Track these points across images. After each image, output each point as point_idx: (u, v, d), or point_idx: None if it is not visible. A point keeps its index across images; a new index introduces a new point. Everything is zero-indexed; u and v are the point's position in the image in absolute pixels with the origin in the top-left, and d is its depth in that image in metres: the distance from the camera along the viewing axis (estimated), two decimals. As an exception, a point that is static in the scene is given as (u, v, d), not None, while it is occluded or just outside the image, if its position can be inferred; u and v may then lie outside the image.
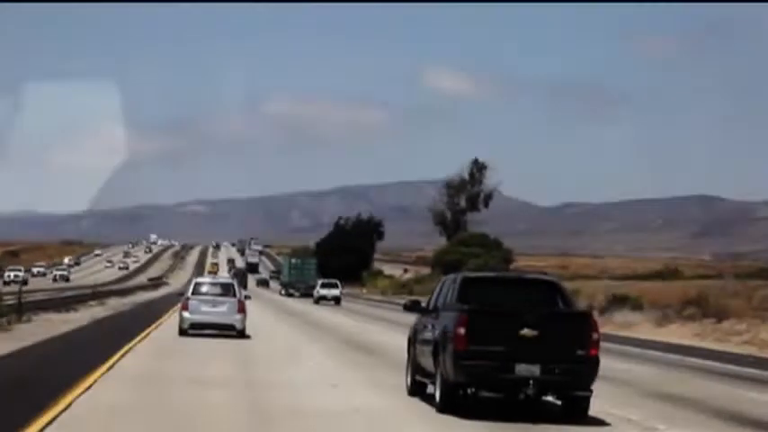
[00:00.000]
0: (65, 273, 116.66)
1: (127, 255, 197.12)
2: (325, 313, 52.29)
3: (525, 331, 13.74)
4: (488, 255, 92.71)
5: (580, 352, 13.82)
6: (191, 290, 29.22)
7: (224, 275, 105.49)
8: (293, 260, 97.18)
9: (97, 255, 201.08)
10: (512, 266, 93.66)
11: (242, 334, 28.61)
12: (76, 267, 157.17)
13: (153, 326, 33.30)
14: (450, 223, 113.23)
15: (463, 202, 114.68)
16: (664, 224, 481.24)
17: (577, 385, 13.93)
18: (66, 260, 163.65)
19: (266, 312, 49.79)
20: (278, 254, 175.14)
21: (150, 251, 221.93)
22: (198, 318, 28.45)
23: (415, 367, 16.12)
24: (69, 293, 56.98)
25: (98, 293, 60.79)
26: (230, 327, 28.55)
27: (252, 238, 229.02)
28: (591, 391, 14.09)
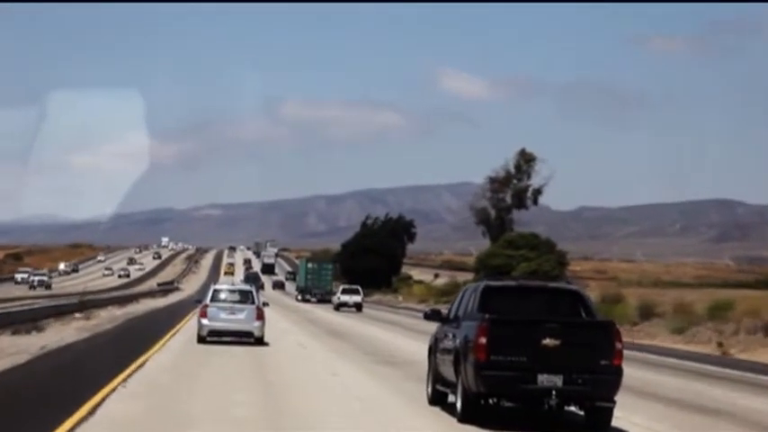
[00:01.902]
0: (44, 278, 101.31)
1: (131, 261, 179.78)
2: (375, 331, 40.83)
3: (547, 341, 13.61)
4: (541, 258, 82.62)
5: (603, 362, 13.68)
6: (209, 297, 29.25)
7: (241, 280, 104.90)
8: (309, 265, 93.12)
9: (100, 261, 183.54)
10: (567, 271, 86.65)
11: (260, 341, 28.61)
12: (73, 274, 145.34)
13: (127, 370, 19.55)
14: (495, 222, 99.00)
15: (509, 199, 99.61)
16: (682, 228, 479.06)
17: (600, 396, 13.78)
18: (61, 266, 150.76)
19: (293, 324, 43.73)
20: (297, 257, 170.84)
21: (159, 257, 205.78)
22: (217, 325, 28.49)
23: (435, 376, 16.02)
24: (42, 304, 44.75)
25: (87, 303, 50.24)
26: (249, 334, 28.56)
27: (268, 241, 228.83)
28: (614, 402, 13.94)
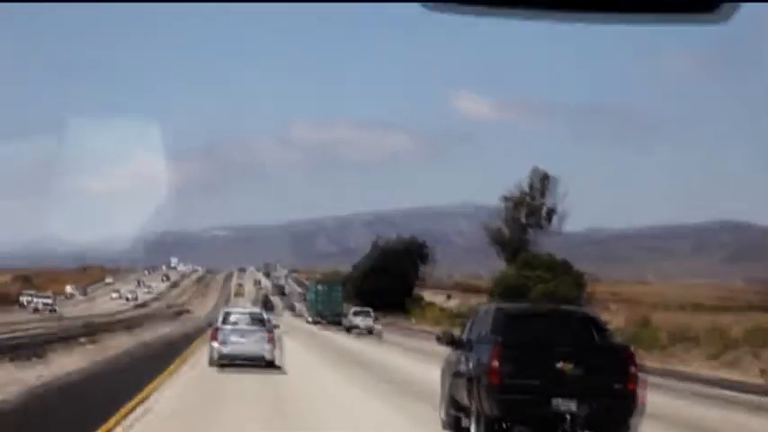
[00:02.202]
0: (49, 302, 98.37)
1: (140, 284, 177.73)
2: (394, 357, 39.19)
3: (561, 365, 13.56)
4: (557, 279, 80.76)
5: (618, 386, 13.61)
6: (220, 320, 29.25)
7: (260, 307, 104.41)
8: (319, 286, 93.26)
9: (108, 283, 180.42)
10: (586, 292, 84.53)
11: (271, 364, 28.53)
12: (81, 297, 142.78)
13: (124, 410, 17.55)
14: (510, 243, 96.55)
15: (524, 218, 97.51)
16: (693, 250, 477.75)
17: (615, 420, 13.71)
18: (68, 289, 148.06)
19: (308, 350, 42.10)
20: (307, 278, 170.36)
21: (168, 279, 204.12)
22: (227, 348, 28.45)
23: (449, 401, 15.95)
24: (45, 329, 44.06)
25: (94, 328, 49.21)
26: (260, 358, 28.49)
27: (278, 261, 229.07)
28: (629, 427, 13.85)
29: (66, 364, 28.61)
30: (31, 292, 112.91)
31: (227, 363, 28.40)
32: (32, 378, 23.34)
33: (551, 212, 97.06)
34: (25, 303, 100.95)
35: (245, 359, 28.47)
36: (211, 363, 28.46)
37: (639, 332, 42.18)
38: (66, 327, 47.47)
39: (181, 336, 53.75)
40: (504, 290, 78.82)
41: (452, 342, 16.33)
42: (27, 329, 43.75)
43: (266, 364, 28.40)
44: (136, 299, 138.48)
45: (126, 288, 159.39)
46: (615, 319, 55.09)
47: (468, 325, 15.87)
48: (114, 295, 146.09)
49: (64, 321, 58.04)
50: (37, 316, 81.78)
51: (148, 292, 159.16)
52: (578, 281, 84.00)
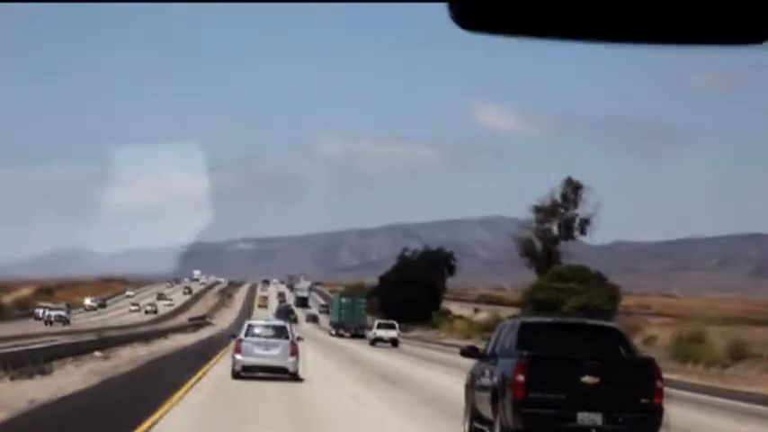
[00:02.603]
0: (62, 314, 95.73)
1: (161, 296, 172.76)
2: (427, 374, 35.96)
3: (587, 378, 13.47)
4: (591, 291, 78.57)
5: (644, 400, 13.51)
6: (243, 332, 29.33)
7: (273, 314, 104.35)
8: (343, 299, 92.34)
9: (129, 296, 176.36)
10: (620, 305, 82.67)
11: (295, 376, 28.56)
12: (100, 309, 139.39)
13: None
14: (541, 254, 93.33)
15: (556, 229, 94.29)
16: (718, 263, 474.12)
17: (641, 435, 13.60)
18: (87, 301, 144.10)
19: (332, 363, 40.11)
20: (331, 291, 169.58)
21: (190, 292, 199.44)
22: (251, 360, 28.52)
23: (473, 414, 15.88)
24: (54, 342, 40.52)
25: (108, 341, 46.92)
26: (283, 369, 28.55)
27: (301, 273, 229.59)
28: (655, 442, 13.73)
29: (66, 384, 25.59)
30: (48, 304, 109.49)
31: (250, 375, 28.43)
32: (24, 402, 20.38)
33: (585, 223, 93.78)
34: (40, 315, 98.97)
35: (269, 371, 28.52)
36: (234, 375, 28.50)
37: (694, 348, 39.51)
38: (78, 339, 44.87)
39: (200, 348, 51.61)
40: (535, 302, 76.91)
41: (477, 355, 16.27)
42: (34, 342, 41.16)
43: (290, 377, 28.42)
44: (155, 311, 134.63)
45: (147, 301, 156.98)
46: (662, 334, 52.94)
47: (493, 338, 15.82)
48: (133, 308, 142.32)
49: (78, 334, 56.08)
50: (49, 328, 78.65)
51: (169, 305, 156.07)
52: (613, 294, 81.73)
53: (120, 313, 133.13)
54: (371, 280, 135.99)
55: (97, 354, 39.82)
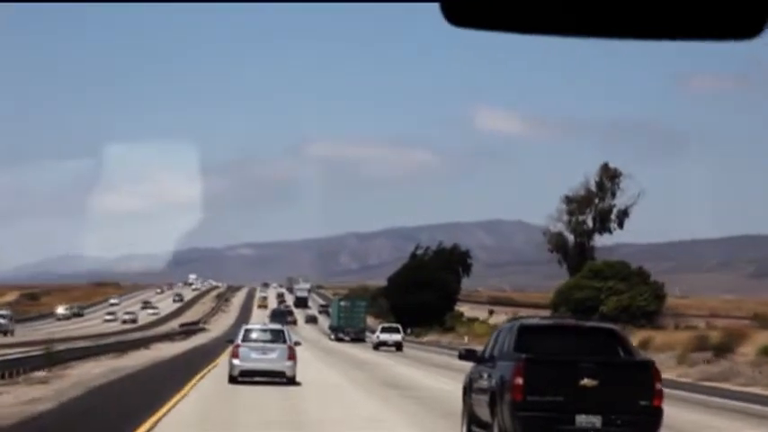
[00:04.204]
0: (2, 321, 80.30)
1: (146, 305, 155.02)
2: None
3: (585, 381, 13.35)
4: (633, 290, 71.22)
5: (643, 402, 13.38)
6: (240, 337, 29.30)
7: (268, 315, 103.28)
8: (342, 303, 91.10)
9: (113, 303, 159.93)
10: (666, 305, 76.09)
11: (292, 381, 28.44)
12: (75, 319, 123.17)
13: None
14: (574, 249, 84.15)
15: (590, 222, 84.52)
16: (719, 264, 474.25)
17: (641, 438, 13.45)
18: (59, 309, 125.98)
19: (336, 372, 36.34)
20: (333, 294, 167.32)
21: (180, 299, 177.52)
22: (248, 365, 28.47)
23: (470, 417, 15.74)
24: None
25: (58, 356, 36.68)
26: (280, 374, 28.48)
27: (300, 276, 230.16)
28: (654, 445, 13.58)
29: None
30: (3, 312, 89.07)
31: (248, 379, 28.30)
32: None
33: (623, 215, 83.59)
34: None
35: (266, 375, 28.48)
36: (232, 380, 28.42)
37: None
38: (12, 356, 33.89)
39: (185, 360, 44.72)
40: (568, 303, 70.14)
41: (475, 358, 16.13)
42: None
43: (287, 381, 28.32)
44: (134, 321, 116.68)
45: (131, 309, 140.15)
46: (716, 335, 46.75)
47: (491, 341, 15.68)
48: (108, 317, 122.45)
49: (21, 347, 44.96)
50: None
51: (154, 314, 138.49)
52: (658, 293, 73.62)
53: (96, 323, 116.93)
54: (372, 283, 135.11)
55: (38, 374, 31.73)
